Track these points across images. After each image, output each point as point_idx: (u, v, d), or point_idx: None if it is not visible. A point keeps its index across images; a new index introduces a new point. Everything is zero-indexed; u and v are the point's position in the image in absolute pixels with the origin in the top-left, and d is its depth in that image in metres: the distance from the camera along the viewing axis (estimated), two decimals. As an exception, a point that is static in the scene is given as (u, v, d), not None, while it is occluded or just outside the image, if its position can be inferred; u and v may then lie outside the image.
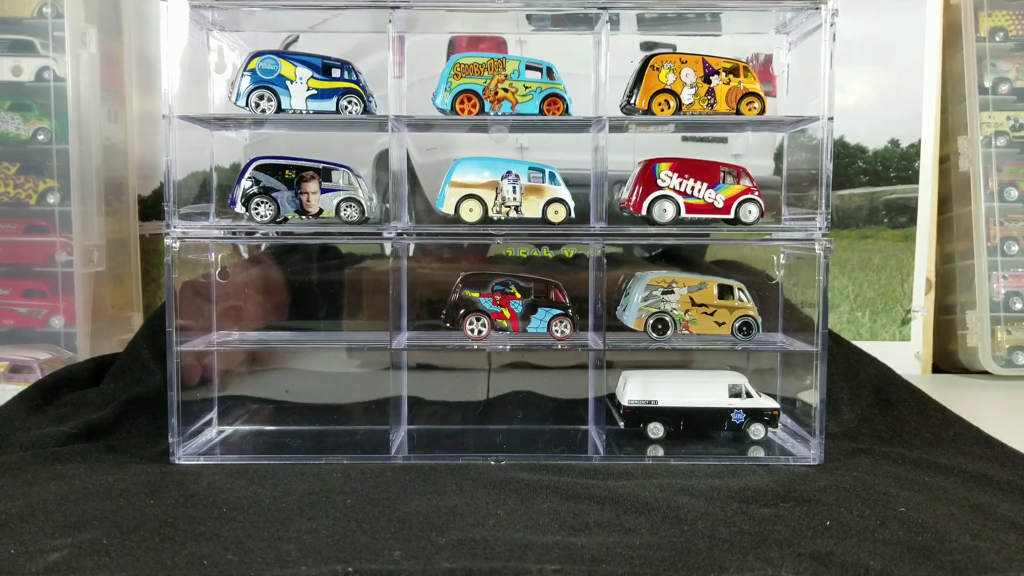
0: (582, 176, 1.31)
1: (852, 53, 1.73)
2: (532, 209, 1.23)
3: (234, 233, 1.26)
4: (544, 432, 1.33)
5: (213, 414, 1.34)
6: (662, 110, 1.21)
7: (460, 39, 1.45)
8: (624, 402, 1.26)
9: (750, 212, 1.23)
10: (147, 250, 1.74)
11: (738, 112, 1.21)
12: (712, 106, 1.21)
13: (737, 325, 1.26)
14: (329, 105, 1.20)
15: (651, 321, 1.25)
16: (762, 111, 1.22)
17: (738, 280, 1.28)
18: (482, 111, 1.21)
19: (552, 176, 1.24)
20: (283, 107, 1.20)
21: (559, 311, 1.27)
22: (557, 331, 1.26)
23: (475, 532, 0.87)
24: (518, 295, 1.27)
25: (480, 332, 1.26)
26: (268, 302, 1.44)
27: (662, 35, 1.39)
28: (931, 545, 0.84)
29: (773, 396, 1.31)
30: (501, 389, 1.45)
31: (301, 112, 1.20)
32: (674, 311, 1.26)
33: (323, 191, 1.22)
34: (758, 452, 1.22)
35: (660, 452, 1.22)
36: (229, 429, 1.34)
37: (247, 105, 1.19)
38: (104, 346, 1.63)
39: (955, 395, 1.52)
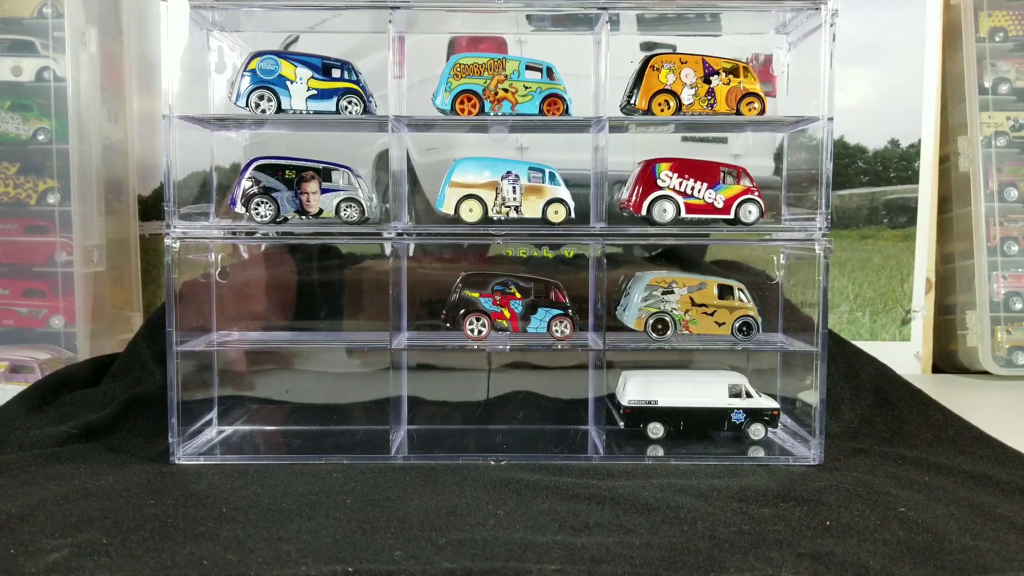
0: (582, 176, 1.31)
1: (852, 53, 1.73)
2: (532, 209, 1.23)
3: (234, 233, 1.26)
4: (544, 432, 1.33)
5: (213, 414, 1.34)
6: (662, 110, 1.21)
7: (460, 39, 1.45)
8: (624, 402, 1.26)
9: (750, 212, 1.23)
10: (147, 250, 1.74)
11: (738, 112, 1.21)
12: (712, 106, 1.21)
13: (737, 325, 1.26)
14: (329, 105, 1.20)
15: (651, 321, 1.26)
16: (762, 111, 1.22)
17: (738, 280, 1.28)
18: (482, 111, 1.21)
19: (552, 176, 1.24)
20: (283, 107, 1.20)
21: (559, 311, 1.27)
22: (557, 331, 1.26)
23: (475, 532, 0.87)
24: (518, 295, 1.27)
25: (480, 332, 1.26)
26: (268, 302, 1.44)
27: (662, 35, 1.39)
28: (931, 545, 0.84)
29: (773, 396, 1.31)
30: (501, 389, 1.46)
31: (301, 112, 1.20)
32: (674, 311, 1.26)
33: (323, 191, 1.22)
34: (758, 452, 1.22)
35: (660, 452, 1.22)
36: (229, 429, 1.34)
37: (247, 105, 1.19)
38: (104, 346, 1.62)
39: (955, 395, 1.52)
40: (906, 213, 1.79)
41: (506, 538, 0.85)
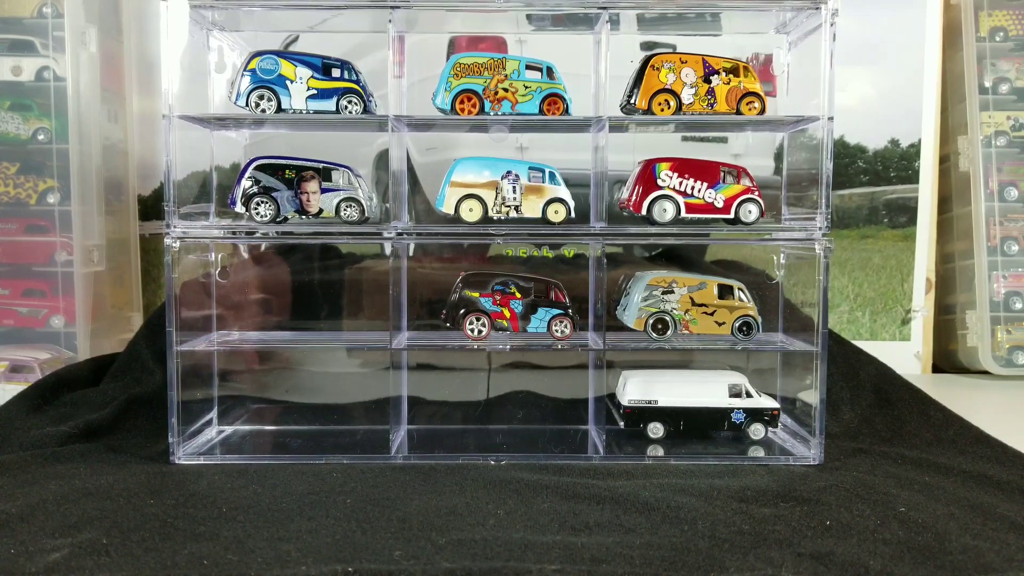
0: (582, 176, 1.31)
1: (852, 53, 1.73)
2: (532, 209, 1.23)
3: (234, 233, 1.26)
4: (544, 432, 1.32)
5: (213, 414, 1.34)
6: (662, 110, 1.21)
7: (460, 39, 1.45)
8: (624, 402, 1.26)
9: (750, 212, 1.23)
10: (147, 250, 1.74)
11: (738, 112, 1.21)
12: (712, 106, 1.21)
13: (737, 325, 1.26)
14: (329, 105, 1.20)
15: (651, 321, 1.25)
16: (762, 111, 1.22)
17: (738, 280, 1.28)
18: (482, 111, 1.21)
19: (552, 176, 1.24)
20: (283, 107, 1.20)
21: (559, 311, 1.27)
22: (557, 331, 1.26)
23: (475, 532, 0.87)
24: (518, 295, 1.27)
25: (480, 332, 1.26)
26: (268, 302, 1.44)
27: (662, 35, 1.39)
28: (931, 545, 0.84)
29: (773, 396, 1.31)
30: (501, 389, 1.46)
31: (301, 112, 1.20)
32: (674, 311, 1.26)
33: (323, 191, 1.22)
34: (758, 452, 1.22)
35: (660, 452, 1.22)
36: (229, 429, 1.34)
37: (247, 105, 1.19)
38: (104, 346, 1.62)
39: (955, 395, 1.52)
40: (906, 213, 1.79)
41: (506, 538, 0.85)
